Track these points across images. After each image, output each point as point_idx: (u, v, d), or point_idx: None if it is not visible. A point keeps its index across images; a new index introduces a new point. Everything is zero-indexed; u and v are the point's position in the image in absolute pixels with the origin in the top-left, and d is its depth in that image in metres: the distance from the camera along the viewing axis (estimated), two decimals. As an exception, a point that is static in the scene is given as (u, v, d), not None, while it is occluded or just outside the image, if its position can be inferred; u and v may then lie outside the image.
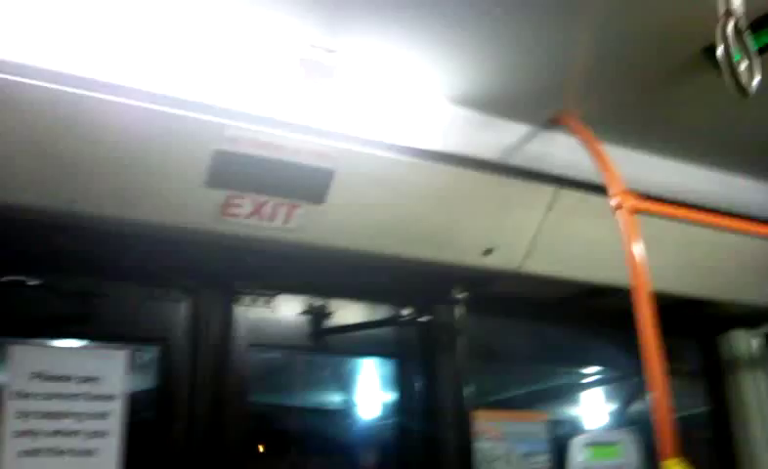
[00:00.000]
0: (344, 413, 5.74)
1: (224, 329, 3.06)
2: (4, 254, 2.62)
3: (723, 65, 1.57)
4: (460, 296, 3.45)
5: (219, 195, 2.54)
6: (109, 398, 2.76)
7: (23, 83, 2.09)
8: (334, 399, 5.79)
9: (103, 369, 2.77)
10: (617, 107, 2.81)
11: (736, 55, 1.59)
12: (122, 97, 2.21)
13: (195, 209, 2.55)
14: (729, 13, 1.60)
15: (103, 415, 2.73)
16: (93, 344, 2.86)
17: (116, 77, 2.20)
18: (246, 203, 2.60)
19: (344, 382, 5.54)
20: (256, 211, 2.63)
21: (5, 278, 2.57)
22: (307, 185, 2.63)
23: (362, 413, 5.56)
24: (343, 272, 3.16)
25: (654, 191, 2.99)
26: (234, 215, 2.61)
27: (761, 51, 2.22)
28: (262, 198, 2.61)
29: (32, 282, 2.64)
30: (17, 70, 2.07)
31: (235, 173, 2.50)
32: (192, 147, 2.40)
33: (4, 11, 2.04)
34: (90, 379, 2.75)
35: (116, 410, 2.76)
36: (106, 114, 2.23)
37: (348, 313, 3.40)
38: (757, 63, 1.64)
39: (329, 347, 3.34)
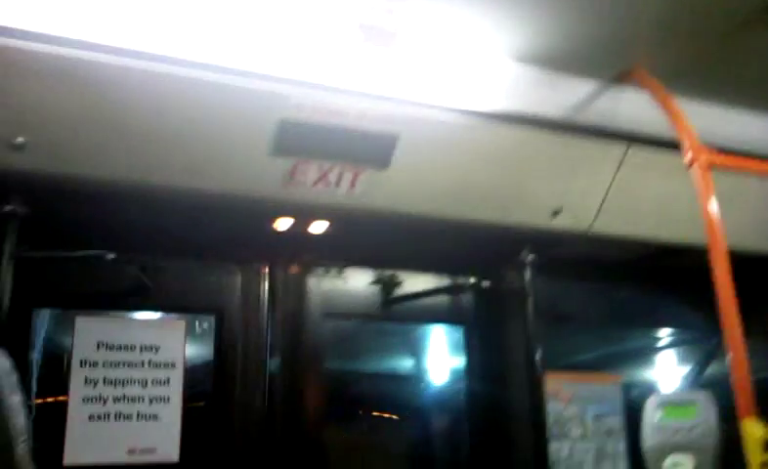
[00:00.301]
0: (415, 379, 5.78)
1: (299, 300, 3.16)
2: (71, 229, 2.73)
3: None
4: (529, 259, 3.41)
5: (285, 163, 2.57)
6: (171, 365, 2.89)
7: (94, 60, 2.17)
8: (405, 364, 5.85)
9: (163, 338, 2.91)
10: (688, 60, 2.70)
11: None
12: (190, 70, 2.26)
13: (262, 177, 2.60)
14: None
15: (164, 382, 2.87)
16: (154, 315, 3.00)
17: (184, 51, 2.25)
18: (312, 170, 2.63)
19: (414, 348, 5.59)
20: (321, 178, 2.66)
21: (76, 253, 2.66)
22: (371, 150, 2.64)
23: (433, 379, 5.61)
24: (411, 239, 3.18)
25: (728, 144, 2.87)
26: (299, 182, 2.64)
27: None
28: (327, 165, 2.64)
29: (102, 256, 2.73)
30: (88, 48, 2.15)
31: (301, 140, 2.53)
32: (257, 116, 2.44)
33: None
34: (151, 348, 2.89)
35: (177, 377, 2.89)
36: (175, 88, 2.29)
37: (417, 281, 3.45)
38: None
39: (399, 315, 3.40)
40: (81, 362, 2.75)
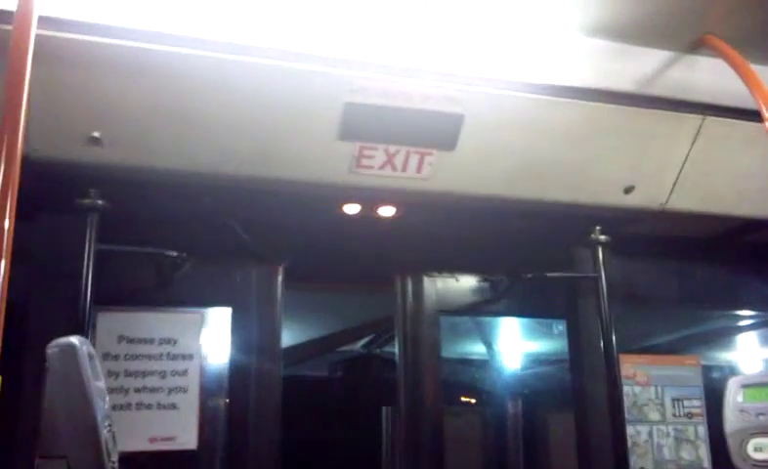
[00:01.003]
0: (494, 364, 5.81)
1: (418, 300, 3.43)
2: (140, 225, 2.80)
3: None
4: (601, 238, 3.34)
5: (352, 148, 2.58)
6: (188, 357, 2.99)
7: (163, 51, 2.22)
8: (482, 351, 5.87)
9: (180, 332, 3.01)
10: (760, 26, 2.59)
11: None
12: (253, 56, 2.29)
13: (330, 162, 2.61)
14: None
15: (183, 373, 2.96)
16: (171, 309, 3.06)
17: (248, 39, 2.28)
18: (379, 154, 2.63)
19: (492, 337, 5.61)
20: (389, 161, 2.66)
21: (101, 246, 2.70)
22: (438, 131, 2.62)
23: (510, 364, 5.61)
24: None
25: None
26: (367, 166, 2.64)
27: None
28: (393, 148, 2.63)
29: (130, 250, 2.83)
30: (156, 40, 2.20)
31: (366, 124, 2.53)
32: (323, 101, 2.45)
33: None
34: (169, 341, 2.99)
35: (195, 368, 2.98)
36: (239, 76, 2.33)
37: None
38: None
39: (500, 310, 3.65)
40: (104, 356, 2.85)
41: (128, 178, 2.53)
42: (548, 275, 3.42)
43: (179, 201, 2.78)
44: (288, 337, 5.85)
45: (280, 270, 3.23)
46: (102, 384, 1.98)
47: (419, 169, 2.71)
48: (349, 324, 5.69)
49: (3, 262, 1.55)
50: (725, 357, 5.37)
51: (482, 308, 3.58)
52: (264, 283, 3.20)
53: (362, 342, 6.21)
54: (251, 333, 3.11)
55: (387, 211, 3.11)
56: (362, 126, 2.53)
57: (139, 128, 2.37)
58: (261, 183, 2.64)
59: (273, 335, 3.16)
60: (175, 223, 2.95)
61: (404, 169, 2.70)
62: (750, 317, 4.52)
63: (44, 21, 1.88)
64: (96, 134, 2.33)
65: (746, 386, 3.08)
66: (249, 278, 3.17)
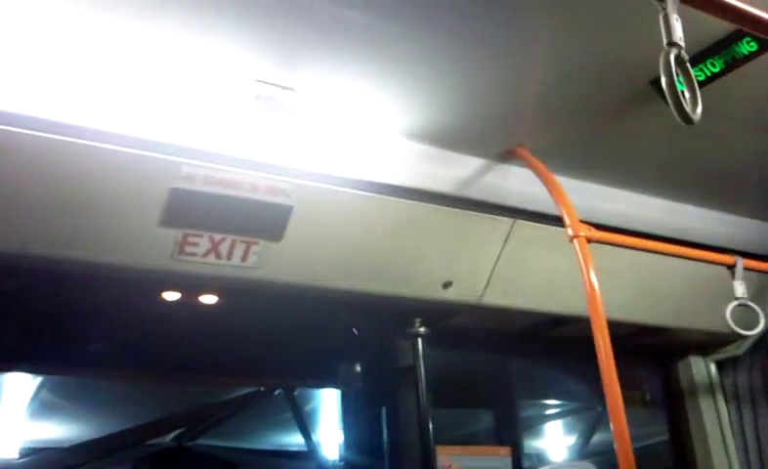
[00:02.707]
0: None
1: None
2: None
3: (668, 94, 1.62)
4: (422, 330, 3.45)
5: (175, 234, 2.50)
6: None
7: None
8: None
9: None
10: (568, 140, 2.86)
11: (680, 85, 1.63)
12: (76, 137, 2.18)
13: (151, 249, 2.51)
14: (671, 44, 1.65)
15: None
16: None
17: (69, 117, 2.17)
18: (203, 242, 2.57)
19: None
20: (213, 249, 2.60)
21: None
22: (265, 221, 2.61)
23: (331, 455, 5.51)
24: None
25: (607, 221, 3.04)
26: (190, 253, 2.57)
27: (702, 84, 2.30)
28: (218, 237, 2.58)
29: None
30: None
31: (192, 211, 2.47)
32: (147, 185, 2.37)
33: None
34: None
35: None
36: (58, 154, 2.20)
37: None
38: (699, 94, 1.69)
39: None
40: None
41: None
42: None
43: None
44: (92, 430, 5.45)
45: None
46: None
47: (245, 258, 2.67)
48: (160, 416, 5.39)
49: None
50: (536, 443, 5.64)
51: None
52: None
53: (173, 435, 5.90)
54: None
55: (209, 299, 3.04)
56: (186, 213, 2.46)
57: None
58: (76, 264, 2.48)
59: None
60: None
61: (228, 258, 2.65)
62: (557, 405, 4.81)
63: None
64: None
65: (552, 475, 3.24)
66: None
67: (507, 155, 2.88)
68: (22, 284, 2.59)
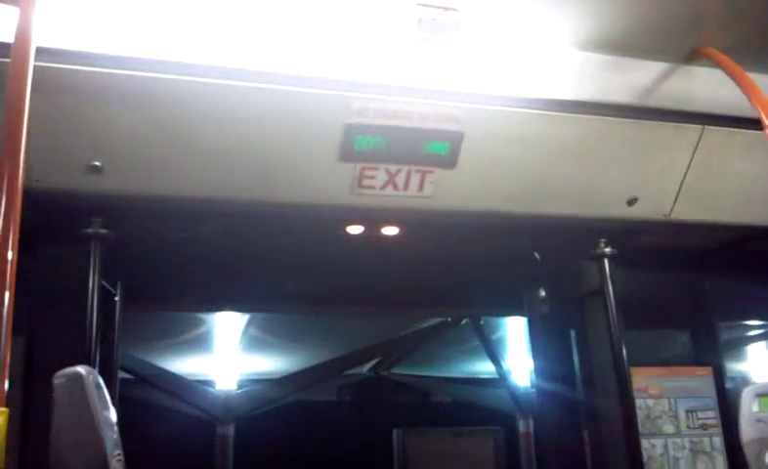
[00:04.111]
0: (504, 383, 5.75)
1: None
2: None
3: None
4: (607, 251, 3.32)
5: (353, 169, 2.59)
6: None
7: (161, 78, 2.24)
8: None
9: None
10: (759, 34, 2.59)
11: None
12: (253, 82, 2.31)
13: (332, 184, 2.62)
14: None
15: None
16: None
17: (245, 63, 2.30)
18: (380, 174, 2.63)
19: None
20: (390, 181, 2.66)
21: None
22: (438, 149, 2.62)
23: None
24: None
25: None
26: (368, 186, 2.65)
27: None
28: (395, 168, 2.64)
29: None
30: (152, 67, 2.22)
31: (366, 145, 2.54)
32: (323, 123, 2.46)
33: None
34: None
35: None
36: (238, 101, 2.34)
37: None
38: None
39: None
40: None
41: (129, 205, 2.54)
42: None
43: (181, 227, 2.79)
44: (294, 362, 5.87)
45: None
46: (110, 414, 1.96)
47: (421, 188, 2.71)
48: (355, 348, 5.69)
49: (7, 293, 1.56)
50: (739, 365, 5.32)
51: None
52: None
53: (370, 365, 6.21)
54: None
55: (391, 230, 3.11)
56: (362, 146, 2.53)
57: (139, 155, 2.39)
58: (262, 206, 2.64)
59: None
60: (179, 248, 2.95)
61: (405, 188, 2.70)
62: (759, 326, 4.49)
63: (42, 53, 1.88)
64: (96, 163, 2.34)
65: (761, 395, 3.05)
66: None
67: (692, 56, 2.67)
68: (218, 229, 2.80)
